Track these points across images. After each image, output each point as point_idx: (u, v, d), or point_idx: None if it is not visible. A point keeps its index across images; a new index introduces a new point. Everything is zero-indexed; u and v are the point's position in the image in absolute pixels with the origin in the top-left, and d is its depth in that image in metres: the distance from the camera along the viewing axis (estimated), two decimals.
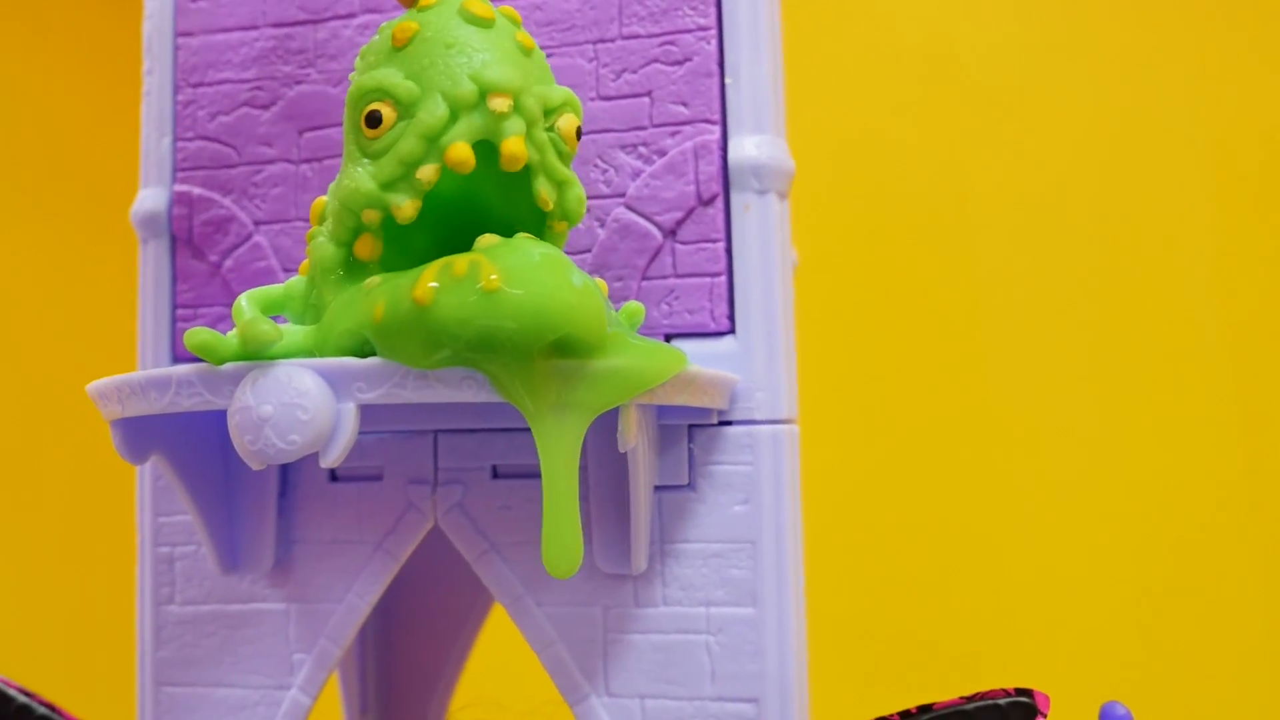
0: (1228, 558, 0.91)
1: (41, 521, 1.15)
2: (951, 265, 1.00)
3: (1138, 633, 0.92)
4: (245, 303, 0.36)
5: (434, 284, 0.32)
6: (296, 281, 0.37)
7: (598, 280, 0.36)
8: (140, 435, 0.39)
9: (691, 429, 0.43)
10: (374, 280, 0.34)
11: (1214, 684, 0.90)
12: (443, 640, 0.65)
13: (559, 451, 0.33)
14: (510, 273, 0.32)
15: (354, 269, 0.35)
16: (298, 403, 0.31)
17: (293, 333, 0.34)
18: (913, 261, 1.00)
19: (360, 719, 0.58)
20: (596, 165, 0.45)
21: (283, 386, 0.32)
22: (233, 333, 0.34)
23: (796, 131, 0.46)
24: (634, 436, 0.37)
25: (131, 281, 0.50)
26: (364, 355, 0.34)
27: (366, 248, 0.35)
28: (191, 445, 0.43)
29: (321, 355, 0.34)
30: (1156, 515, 0.93)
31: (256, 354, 0.33)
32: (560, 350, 0.33)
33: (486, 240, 0.34)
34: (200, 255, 0.49)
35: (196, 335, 0.33)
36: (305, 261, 0.38)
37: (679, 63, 0.45)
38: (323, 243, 0.36)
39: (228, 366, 0.33)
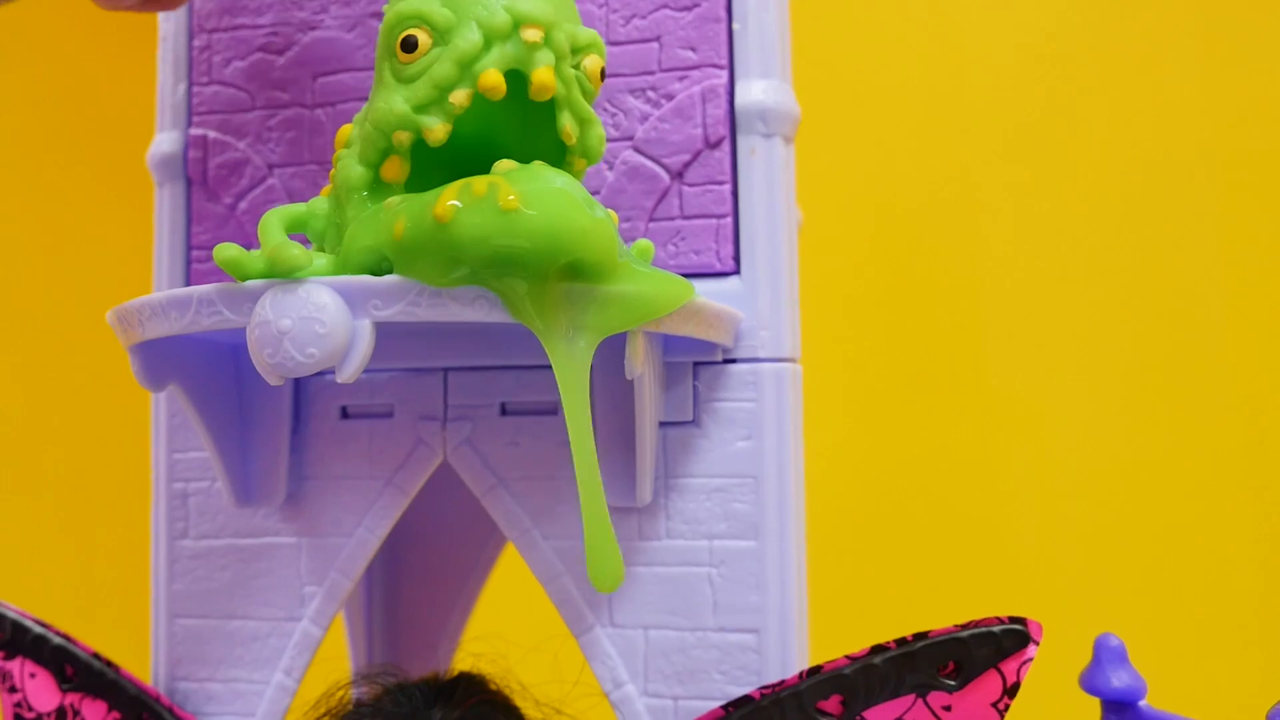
0: (1220, 494, 0.92)
1: (57, 459, 1.17)
2: (951, 209, 1.00)
3: (1133, 566, 0.93)
4: (273, 221, 0.36)
5: (454, 202, 0.32)
6: (319, 201, 0.38)
7: (610, 212, 0.37)
8: (158, 361, 0.40)
9: (696, 366, 0.44)
10: (395, 200, 0.35)
11: (1205, 620, 0.91)
12: (453, 583, 0.66)
13: (571, 373, 0.34)
14: (528, 195, 0.33)
15: (378, 190, 0.36)
16: (316, 317, 0.32)
17: (317, 259, 0.35)
18: (913, 205, 1.01)
19: (367, 659, 0.59)
20: (606, 109, 0.46)
21: (301, 302, 0.33)
22: (258, 252, 0.35)
23: (802, 77, 0.47)
24: (641, 364, 0.38)
25: (147, 224, 0.51)
26: (381, 274, 0.35)
27: (393, 170, 0.36)
28: (207, 377, 0.44)
29: (341, 274, 0.35)
30: (1153, 447, 0.94)
31: (284, 276, 0.34)
32: (572, 274, 0.34)
33: (505, 165, 0.35)
34: (215, 198, 0.50)
35: (225, 250, 0.34)
36: (327, 186, 0.39)
37: (687, 8, 0.45)
38: (350, 163, 0.37)
39: (248, 284, 0.34)
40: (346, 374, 0.33)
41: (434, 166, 0.38)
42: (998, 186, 1.00)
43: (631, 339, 0.37)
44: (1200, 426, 0.94)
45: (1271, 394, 0.93)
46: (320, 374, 0.47)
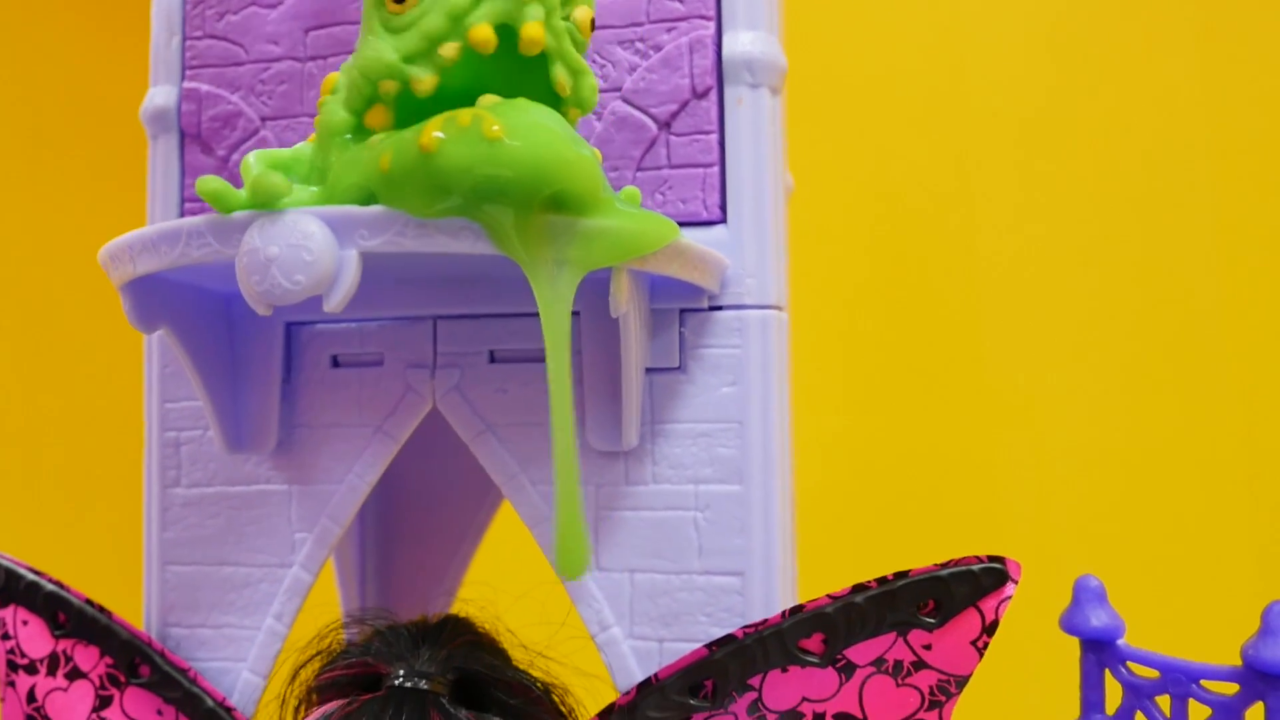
0: (1199, 445, 0.93)
1: (50, 407, 1.17)
2: (940, 160, 1.01)
3: (1116, 510, 0.94)
4: (253, 159, 0.37)
5: (439, 133, 0.33)
6: (304, 146, 0.39)
7: (595, 150, 0.37)
8: (150, 301, 0.41)
9: (683, 313, 0.45)
10: (379, 137, 0.36)
11: (1184, 563, 0.92)
12: (447, 545, 0.67)
13: (553, 306, 0.34)
14: (512, 126, 0.33)
15: (362, 135, 0.37)
16: (303, 245, 0.33)
17: (299, 190, 0.35)
18: (901, 155, 1.02)
19: (361, 611, 0.59)
20: (594, 60, 0.46)
21: (289, 229, 0.33)
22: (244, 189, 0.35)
23: (792, 25, 0.47)
24: (625, 302, 0.38)
25: (141, 178, 0.52)
26: None
27: (377, 118, 0.37)
28: (199, 323, 0.45)
29: None
30: (1132, 397, 0.95)
31: (266, 205, 0.34)
32: (556, 207, 0.34)
33: (489, 100, 0.35)
34: (208, 150, 0.50)
35: (208, 183, 0.34)
36: (313, 135, 0.39)
37: None
38: (334, 108, 0.37)
39: (236, 215, 0.35)
40: (333, 303, 0.34)
41: (418, 117, 0.38)
42: (994, 155, 1.01)
43: (616, 276, 0.37)
44: (1178, 374, 0.94)
45: (1256, 363, 0.93)
46: (310, 323, 0.48)
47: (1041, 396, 0.97)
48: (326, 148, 0.37)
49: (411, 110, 0.38)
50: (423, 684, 0.41)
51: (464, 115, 0.33)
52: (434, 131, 0.33)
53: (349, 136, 0.37)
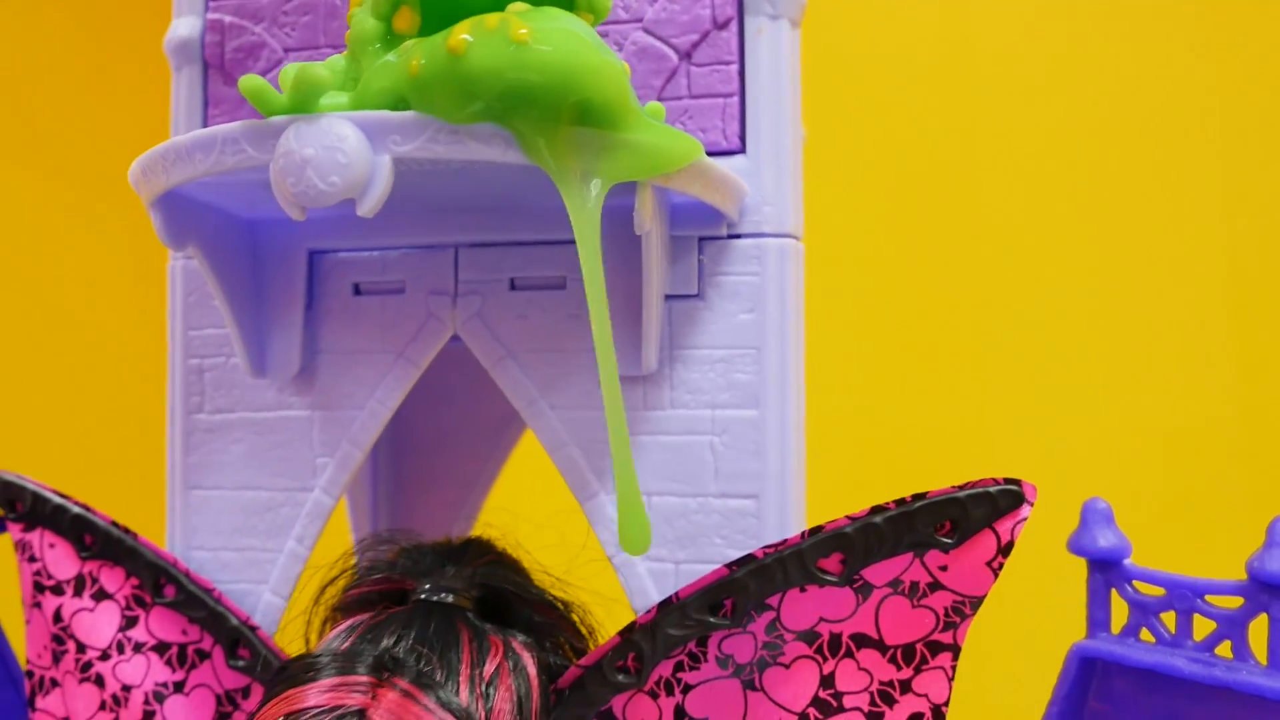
0: (1208, 361, 0.94)
1: (75, 334, 1.18)
2: (950, 92, 1.02)
3: (1124, 436, 0.95)
4: (292, 69, 0.37)
5: (466, 35, 0.34)
6: (336, 59, 0.39)
7: (623, 64, 0.37)
8: (179, 219, 0.41)
9: (701, 241, 0.45)
10: (409, 43, 0.36)
11: (1190, 489, 0.94)
12: (458, 491, 0.67)
13: (584, 217, 0.35)
14: (539, 32, 0.34)
15: (391, 42, 0.37)
16: (338, 147, 0.33)
17: (334, 96, 0.36)
18: (911, 89, 1.03)
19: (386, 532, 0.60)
20: None
21: (324, 132, 0.34)
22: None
23: None
24: (649, 219, 0.39)
25: (165, 110, 0.52)
26: None
27: (405, 21, 0.37)
28: (225, 246, 0.45)
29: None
30: (1144, 310, 0.96)
31: (308, 98, 0.35)
32: (585, 116, 0.35)
33: (518, 6, 0.36)
34: (231, 81, 0.51)
35: (250, 81, 0.35)
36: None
37: None
38: (363, 18, 0.37)
39: (271, 120, 0.35)
40: (367, 206, 0.34)
41: (447, 23, 0.39)
42: (1007, 95, 1.01)
43: (641, 192, 0.38)
44: (1182, 301, 0.95)
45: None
46: (333, 251, 0.49)
47: (1050, 322, 0.98)
48: (358, 57, 0.37)
49: (439, 16, 0.39)
50: (449, 598, 0.42)
51: (491, 19, 0.34)
52: (462, 34, 0.34)
53: (379, 45, 0.37)
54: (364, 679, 0.37)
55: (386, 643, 0.39)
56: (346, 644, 0.40)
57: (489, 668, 0.39)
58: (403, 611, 0.41)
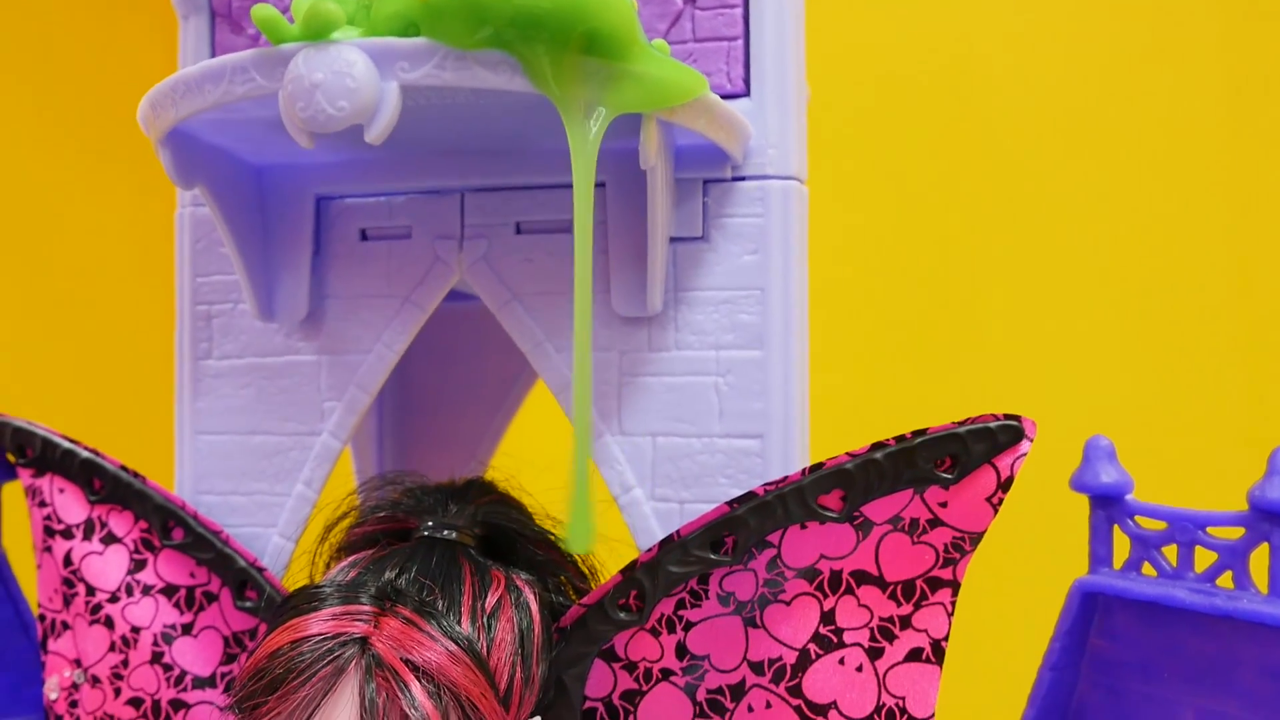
0: (1210, 297, 0.94)
1: (83, 281, 1.19)
2: (953, 36, 1.02)
3: (1125, 373, 0.96)
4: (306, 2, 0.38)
5: None
6: None
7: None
8: (187, 158, 0.42)
9: (706, 183, 0.45)
10: None
11: (1190, 426, 0.94)
12: (462, 449, 0.68)
13: (583, 147, 0.35)
14: None
15: None
16: (347, 72, 0.34)
17: (346, 31, 0.36)
18: (914, 33, 1.03)
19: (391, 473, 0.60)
20: None
21: (333, 58, 0.34)
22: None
23: None
24: (654, 154, 0.39)
25: (172, 60, 0.52)
26: None
27: None
28: (232, 188, 0.46)
29: None
30: (1147, 246, 0.96)
31: (319, 33, 0.35)
32: (592, 46, 0.35)
33: None
34: (239, 29, 0.51)
35: (262, 10, 0.35)
36: None
37: None
38: None
39: (280, 48, 0.35)
40: (375, 133, 0.34)
41: None
42: (1008, 29, 1.01)
43: (645, 126, 0.38)
44: (1183, 236, 0.95)
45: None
46: (339, 197, 0.49)
47: (1051, 260, 0.98)
48: None
49: None
50: (451, 535, 0.42)
51: None
52: None
53: None
54: (366, 608, 0.37)
55: (389, 575, 0.39)
56: (349, 576, 0.40)
57: (490, 600, 0.40)
58: (405, 547, 0.42)
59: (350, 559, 0.42)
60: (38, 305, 1.15)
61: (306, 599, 0.38)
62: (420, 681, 0.36)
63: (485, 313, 0.70)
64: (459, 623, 0.38)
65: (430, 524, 0.43)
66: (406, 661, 0.36)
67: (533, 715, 0.41)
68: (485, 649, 0.38)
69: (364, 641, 0.36)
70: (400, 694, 0.35)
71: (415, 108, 0.38)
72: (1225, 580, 0.38)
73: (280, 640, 0.37)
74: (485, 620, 0.39)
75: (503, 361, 0.72)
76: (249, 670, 0.37)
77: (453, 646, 0.37)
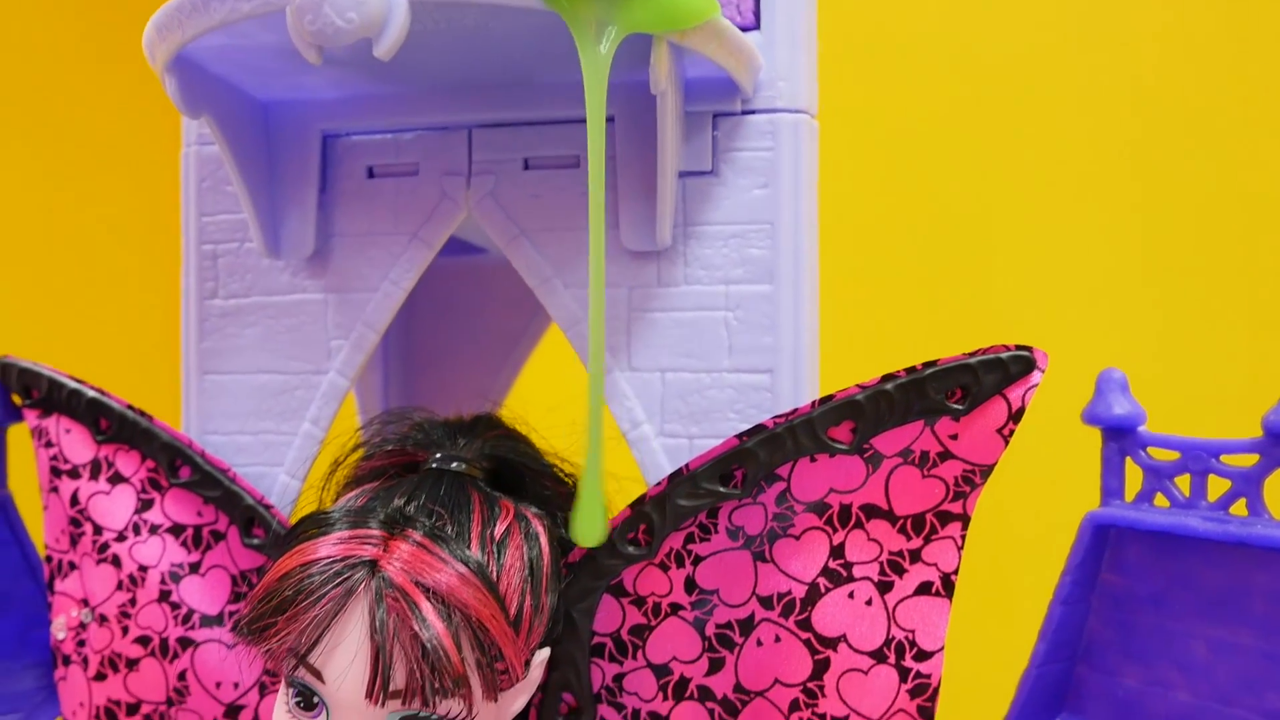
0: (1226, 235, 0.94)
1: (88, 224, 1.18)
2: None
3: (1137, 306, 0.95)
4: None
5: None
6: None
7: None
8: (193, 87, 0.41)
9: (716, 117, 0.45)
10: None
11: (1199, 358, 0.93)
12: (479, 386, 0.68)
13: (594, 67, 0.35)
14: None
15: None
16: None
17: None
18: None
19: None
20: None
21: None
22: None
23: None
24: (664, 78, 0.39)
25: None
26: None
27: None
28: (238, 122, 0.45)
29: None
30: (1156, 181, 0.95)
31: None
32: None
33: None
34: None
35: None
36: None
37: None
38: None
39: None
40: (384, 47, 0.34)
41: None
42: None
43: (656, 48, 0.38)
44: (1199, 163, 0.95)
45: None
46: (346, 134, 0.49)
47: (1060, 195, 0.98)
48: None
49: None
50: (460, 466, 0.42)
51: None
52: None
53: None
54: (376, 532, 0.37)
55: (398, 502, 0.39)
56: (358, 504, 0.40)
57: (499, 528, 0.39)
58: (413, 477, 0.41)
59: (358, 490, 0.42)
60: (43, 248, 1.14)
61: (315, 524, 0.38)
62: (431, 602, 0.35)
63: (491, 268, 0.71)
64: (469, 548, 0.38)
65: (439, 456, 0.43)
66: (417, 583, 0.36)
67: (541, 647, 0.41)
68: (495, 574, 0.38)
69: (373, 564, 0.36)
70: (411, 614, 0.35)
71: (423, 33, 0.38)
72: (1239, 508, 0.38)
73: (289, 564, 0.37)
74: (494, 547, 0.39)
75: (508, 317, 0.72)
76: (258, 594, 0.37)
77: (463, 569, 0.37)
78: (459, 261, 0.70)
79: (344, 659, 0.36)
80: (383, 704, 0.35)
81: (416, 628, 0.35)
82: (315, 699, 0.37)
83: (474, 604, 0.36)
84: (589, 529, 0.41)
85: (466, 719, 0.37)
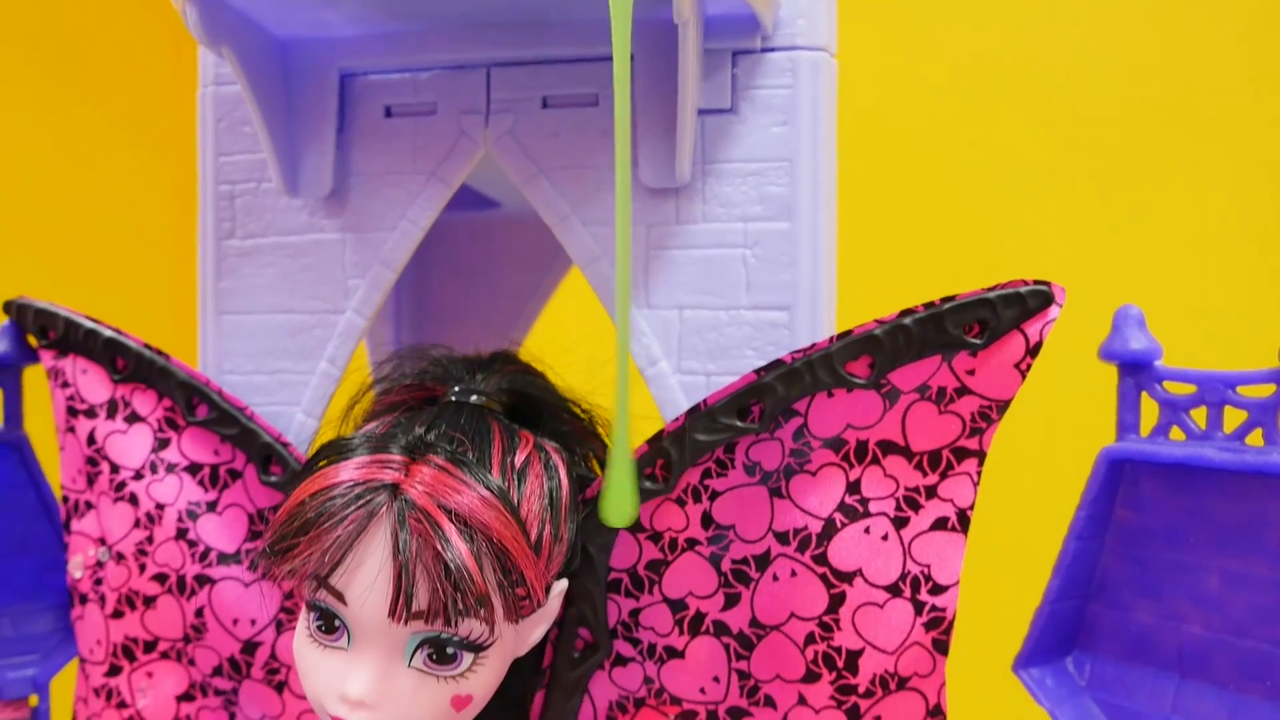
0: (1238, 169, 0.94)
1: (105, 165, 1.18)
2: None
3: (1155, 244, 0.95)
4: None
5: None
6: None
7: None
8: (213, 17, 0.41)
9: (735, 55, 0.45)
10: None
11: (1216, 295, 0.94)
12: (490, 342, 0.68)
13: (619, 2, 0.35)
14: None
15: None
16: None
17: None
18: None
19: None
20: None
21: None
22: None
23: None
24: (688, 7, 0.39)
25: None
26: None
27: None
28: (258, 59, 0.45)
29: None
30: (1173, 114, 0.95)
31: None
32: None
33: None
34: None
35: None
36: None
37: None
38: None
39: None
40: None
41: None
42: None
43: None
44: (1214, 101, 0.95)
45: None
46: (364, 73, 0.49)
47: (1078, 129, 0.97)
48: None
49: None
50: (479, 399, 0.42)
51: None
52: None
53: None
54: (397, 457, 0.38)
55: (419, 430, 0.39)
56: (379, 432, 0.40)
57: (519, 457, 0.40)
58: (433, 408, 0.42)
59: (377, 422, 0.42)
60: (58, 192, 1.14)
61: (336, 450, 0.38)
62: (454, 523, 0.36)
63: (504, 224, 0.71)
64: (489, 473, 0.38)
65: (457, 389, 0.43)
66: (440, 505, 0.36)
67: (559, 579, 0.42)
68: (516, 501, 0.38)
69: (395, 488, 0.36)
70: (434, 535, 0.35)
71: None
72: (1255, 438, 0.38)
73: (311, 487, 0.37)
74: (515, 475, 0.39)
75: (521, 273, 0.72)
76: (280, 516, 0.37)
77: (485, 491, 0.37)
78: (472, 217, 0.70)
79: (366, 579, 0.36)
80: (405, 622, 0.36)
81: (439, 547, 0.35)
82: (337, 622, 0.38)
83: (496, 526, 0.36)
84: (619, 508, 0.39)
85: (487, 641, 0.37)
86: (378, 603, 0.36)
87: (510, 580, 0.37)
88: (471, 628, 0.37)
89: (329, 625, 0.38)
